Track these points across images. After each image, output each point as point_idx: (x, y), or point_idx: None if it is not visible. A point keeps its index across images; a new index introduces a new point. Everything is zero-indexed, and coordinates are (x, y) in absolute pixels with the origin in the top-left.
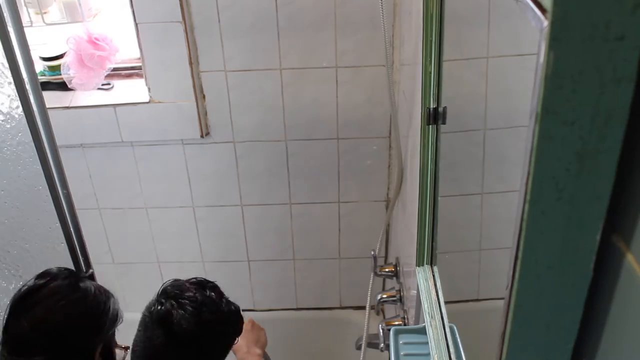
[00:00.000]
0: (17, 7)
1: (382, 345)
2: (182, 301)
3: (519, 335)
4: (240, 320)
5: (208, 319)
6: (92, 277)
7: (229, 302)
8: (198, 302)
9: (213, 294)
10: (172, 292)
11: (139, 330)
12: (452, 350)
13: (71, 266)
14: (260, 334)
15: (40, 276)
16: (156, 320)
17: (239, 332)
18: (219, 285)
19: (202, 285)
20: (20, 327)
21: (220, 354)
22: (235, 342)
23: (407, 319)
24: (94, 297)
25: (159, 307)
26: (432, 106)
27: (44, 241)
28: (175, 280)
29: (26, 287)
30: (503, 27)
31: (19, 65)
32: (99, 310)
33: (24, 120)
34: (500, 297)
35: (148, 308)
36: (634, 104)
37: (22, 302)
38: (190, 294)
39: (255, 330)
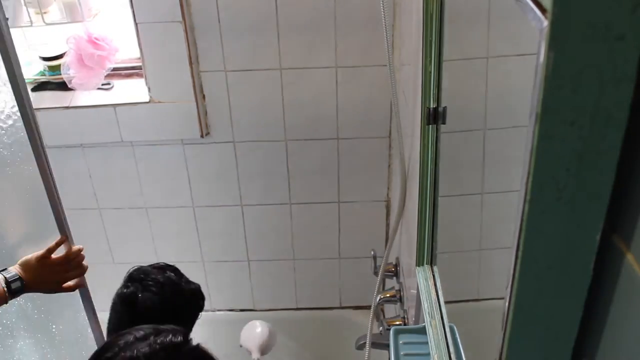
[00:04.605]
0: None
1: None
2: (146, 283)
3: (519, 335)
4: (200, 298)
5: (169, 298)
6: None
7: (188, 282)
8: (160, 283)
9: (173, 275)
10: (137, 276)
11: (110, 313)
12: (452, 350)
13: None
14: None
15: None
16: (124, 301)
17: (200, 308)
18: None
19: (163, 268)
20: None
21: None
22: (199, 317)
23: (407, 319)
24: None
25: (125, 290)
26: (432, 106)
27: (44, 241)
28: (140, 266)
29: None
30: (503, 27)
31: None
32: None
33: (20, 120)
34: (500, 297)
35: (117, 292)
36: (634, 104)
37: None
38: (153, 276)
39: None
